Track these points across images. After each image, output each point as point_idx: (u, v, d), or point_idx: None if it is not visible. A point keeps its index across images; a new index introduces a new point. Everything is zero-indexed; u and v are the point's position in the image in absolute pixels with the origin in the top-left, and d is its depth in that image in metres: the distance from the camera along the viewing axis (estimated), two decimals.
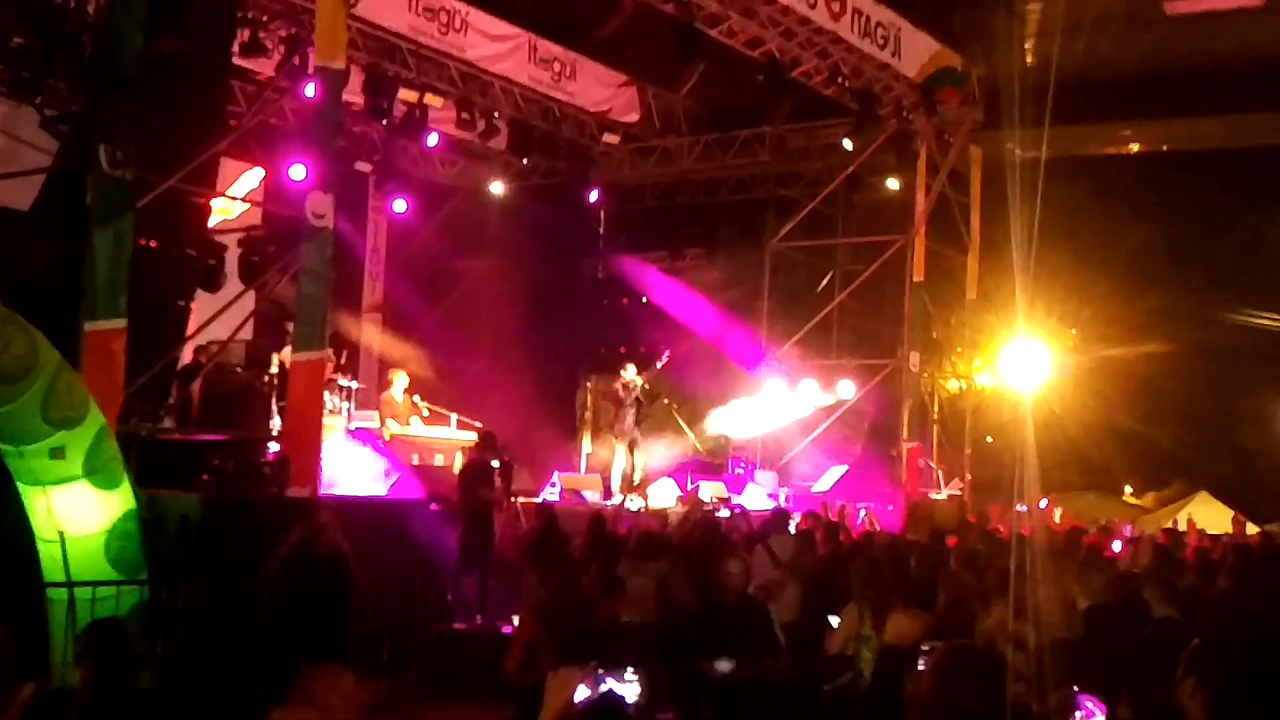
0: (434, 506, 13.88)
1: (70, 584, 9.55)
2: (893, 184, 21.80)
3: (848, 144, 20.93)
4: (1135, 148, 24.29)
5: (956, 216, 22.20)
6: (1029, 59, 20.82)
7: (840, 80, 19.41)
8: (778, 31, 18.26)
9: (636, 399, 18.60)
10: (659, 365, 19.37)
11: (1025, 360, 20.74)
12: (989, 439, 22.97)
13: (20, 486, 9.91)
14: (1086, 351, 22.59)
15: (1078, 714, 4.68)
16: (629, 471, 18.29)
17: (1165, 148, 24.23)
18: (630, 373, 18.72)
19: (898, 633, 5.54)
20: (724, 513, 15.40)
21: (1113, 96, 21.41)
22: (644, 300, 24.59)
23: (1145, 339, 22.45)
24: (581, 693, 3.55)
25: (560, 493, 16.96)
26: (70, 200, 11.94)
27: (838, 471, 20.10)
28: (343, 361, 17.49)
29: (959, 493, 21.77)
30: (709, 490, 18.65)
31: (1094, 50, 20.42)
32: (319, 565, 9.65)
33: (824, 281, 23.21)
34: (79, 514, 9.87)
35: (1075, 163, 21.57)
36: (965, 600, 7.16)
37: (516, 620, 9.26)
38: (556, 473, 18.03)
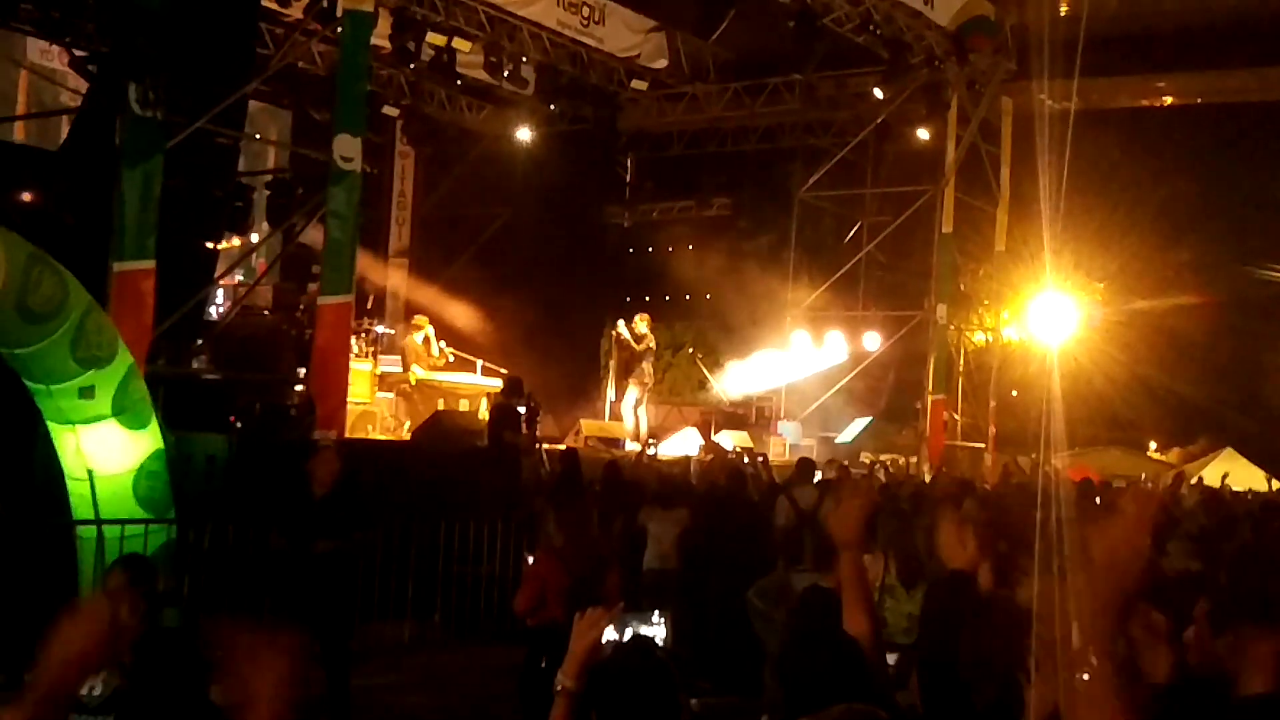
0: (457, 451, 13.95)
1: (99, 521, 9.64)
2: (923, 134, 21.61)
3: (878, 93, 20.78)
4: (1168, 100, 24.02)
5: (986, 168, 22.03)
6: (1062, 9, 20.54)
7: (871, 28, 19.22)
8: None
9: (648, 349, 18.69)
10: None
11: (1052, 314, 20.62)
12: (1014, 393, 22.90)
13: (50, 425, 9.99)
14: (1114, 305, 22.47)
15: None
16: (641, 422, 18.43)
17: (1199, 100, 23.95)
18: (644, 325, 18.75)
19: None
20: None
21: (1146, 48, 21.16)
22: (669, 249, 24.56)
23: (1174, 293, 22.33)
24: (608, 635, 3.56)
25: (584, 439, 17.02)
26: (99, 141, 11.96)
27: (862, 423, 20.08)
28: (369, 306, 17.55)
29: (980, 446, 21.78)
30: (732, 439, 18.69)
31: (1128, 1, 20.17)
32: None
33: (851, 232, 23.10)
34: (107, 453, 9.94)
35: (1107, 115, 21.38)
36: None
37: (531, 561, 9.34)
38: (580, 420, 18.09)
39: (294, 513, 8.54)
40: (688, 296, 24.54)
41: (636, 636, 3.57)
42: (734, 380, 21.48)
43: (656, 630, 3.62)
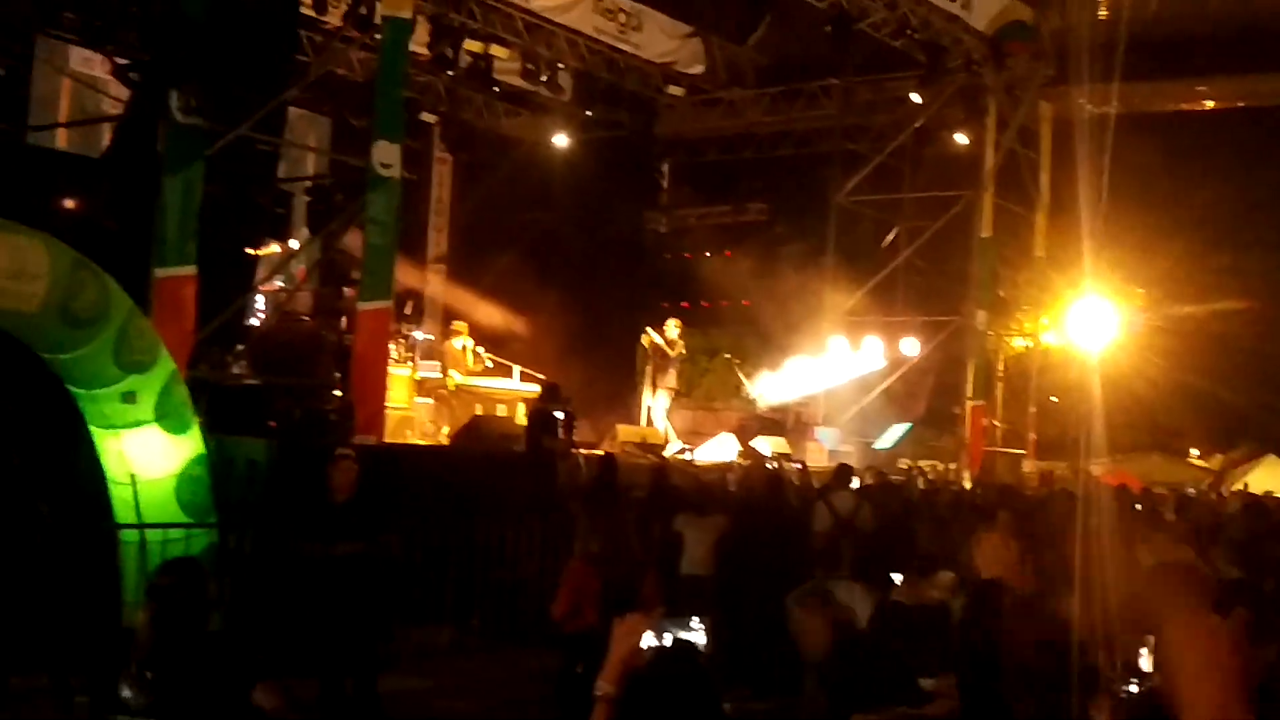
0: (495, 456, 13.99)
1: (141, 526, 9.71)
2: (961, 139, 21.51)
3: (915, 97, 20.71)
4: (1209, 104, 23.82)
5: (1025, 172, 21.93)
6: (1102, 13, 20.42)
7: (908, 32, 19.18)
8: None
9: (680, 354, 18.77)
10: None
11: (1092, 319, 20.49)
12: (1054, 399, 22.76)
13: (93, 430, 10.08)
14: (1155, 310, 22.28)
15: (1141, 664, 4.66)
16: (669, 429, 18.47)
17: (1240, 104, 23.74)
18: (674, 330, 18.80)
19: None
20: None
21: (1186, 52, 21.00)
22: (706, 254, 24.54)
23: (1216, 298, 22.11)
24: (648, 640, 3.57)
25: (620, 444, 17.03)
26: (141, 148, 12.07)
27: (901, 429, 20.00)
28: (408, 312, 17.62)
29: (1021, 452, 21.67)
30: (769, 445, 18.65)
31: (1168, 4, 20.04)
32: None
33: (889, 237, 23.01)
34: (150, 457, 10.02)
35: (1147, 119, 21.23)
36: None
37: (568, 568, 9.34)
38: (616, 425, 18.09)
39: (314, 519, 8.52)
40: (724, 302, 24.51)
41: (677, 642, 3.57)
42: (771, 386, 21.42)
43: (696, 636, 3.61)
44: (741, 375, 22.03)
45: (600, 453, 15.73)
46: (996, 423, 21.90)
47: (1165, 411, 22.21)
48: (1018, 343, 23.18)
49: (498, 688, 10.69)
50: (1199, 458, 24.80)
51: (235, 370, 13.30)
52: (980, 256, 20.95)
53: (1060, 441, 20.82)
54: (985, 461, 20.29)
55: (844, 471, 12.75)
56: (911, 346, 21.57)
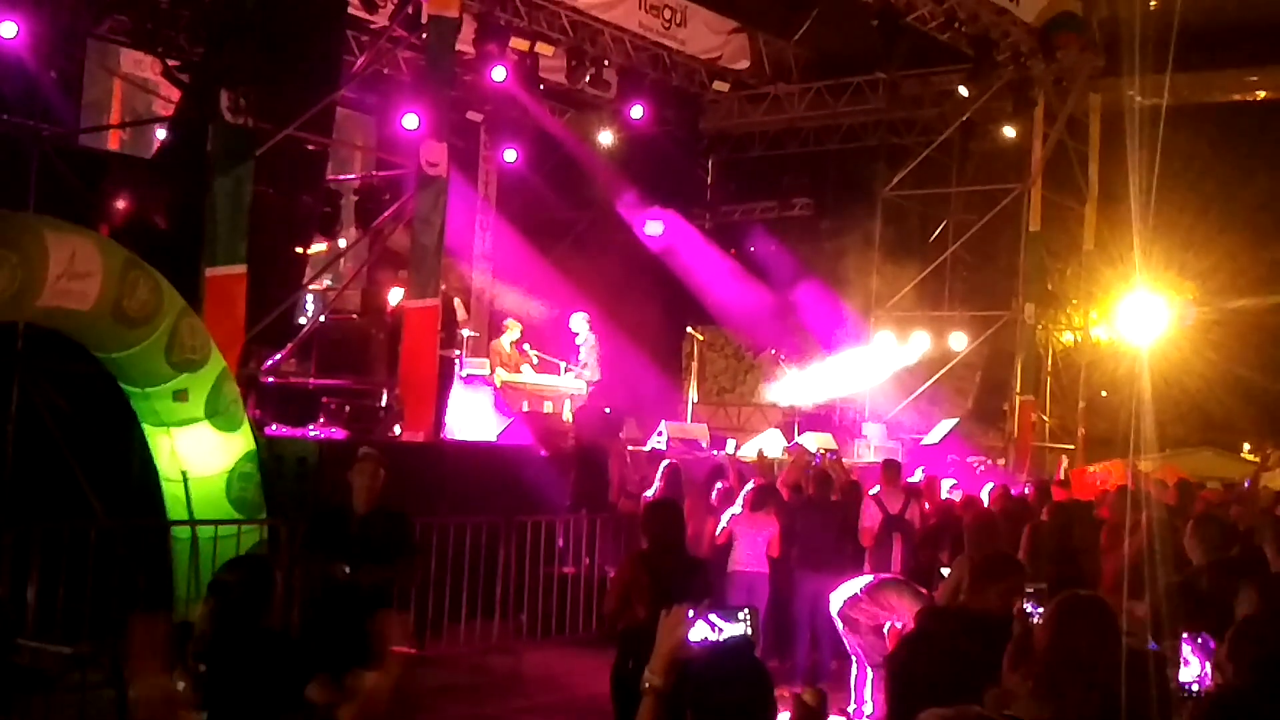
0: (543, 452, 14.03)
1: (193, 522, 9.82)
2: (1009, 132, 21.34)
3: (963, 91, 20.57)
4: (1261, 94, 23.52)
5: (1074, 165, 21.72)
6: (1152, 3, 20.21)
7: (956, 25, 19.05)
8: None
9: None
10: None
11: (1142, 313, 20.29)
12: (1104, 393, 22.56)
13: (145, 428, 10.20)
14: (1207, 304, 22.03)
15: (1184, 660, 4.63)
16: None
17: None
18: None
19: None
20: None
21: (1239, 41, 20.72)
22: (751, 249, 24.48)
23: (1268, 291, 21.82)
24: (697, 632, 3.57)
25: (668, 441, 17.03)
26: (191, 148, 12.19)
27: (948, 424, 19.89)
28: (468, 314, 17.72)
29: (1070, 448, 21.50)
30: (815, 441, 18.59)
31: None
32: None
33: (936, 231, 22.86)
34: (201, 455, 10.14)
35: (1198, 110, 20.97)
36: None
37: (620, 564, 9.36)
38: (663, 421, 18.09)
39: (331, 533, 7.84)
40: (770, 298, 24.45)
41: (733, 637, 3.57)
42: (817, 382, 21.34)
43: (741, 628, 3.62)
44: (787, 369, 21.94)
45: (646, 449, 15.76)
46: (1045, 418, 21.73)
47: (1217, 406, 21.93)
48: (1067, 337, 22.99)
49: (546, 683, 10.74)
50: (1250, 452, 24.51)
51: (285, 368, 13.41)
52: (1029, 250, 20.79)
53: (1110, 437, 20.63)
54: (1035, 457, 20.18)
55: (893, 467, 12.69)
56: (959, 341, 21.44)
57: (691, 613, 3.59)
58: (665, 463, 12.72)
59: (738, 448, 17.85)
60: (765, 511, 11.34)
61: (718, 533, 11.37)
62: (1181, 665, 4.60)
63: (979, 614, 5.11)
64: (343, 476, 8.07)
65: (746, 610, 3.68)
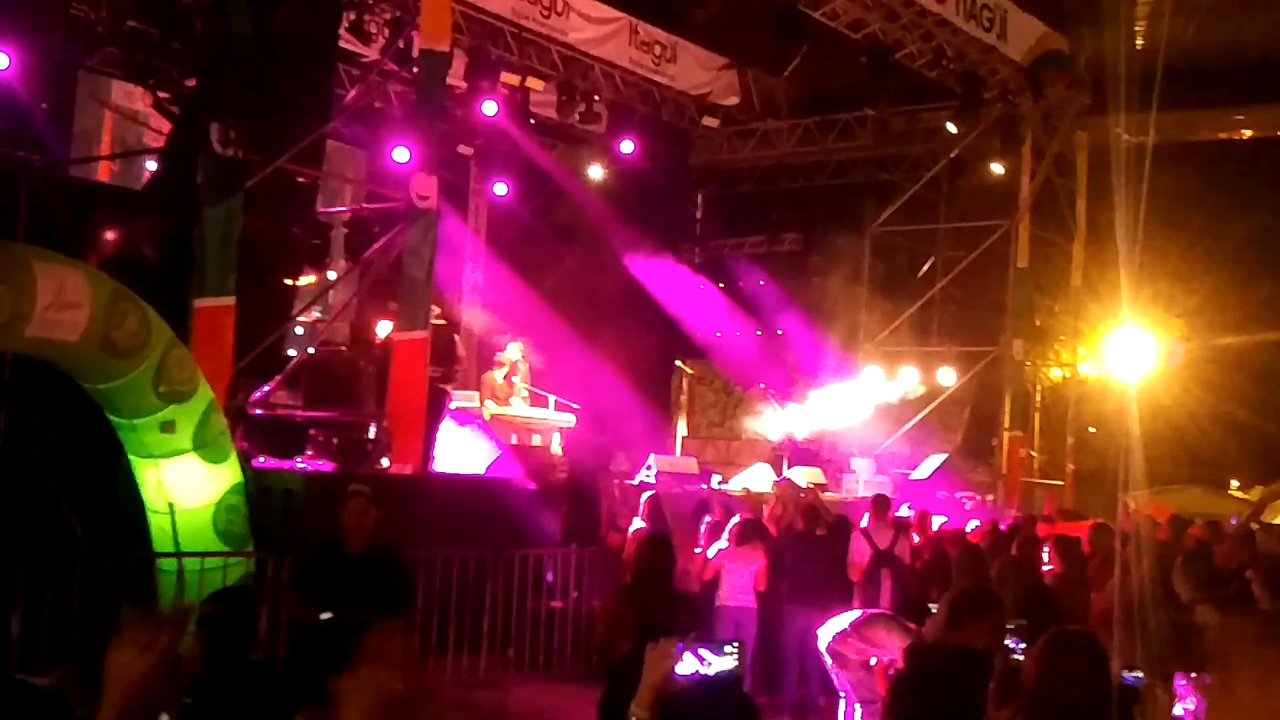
0: (532, 485, 13.99)
1: (179, 554, 9.77)
2: (997, 169, 21.46)
3: (951, 128, 20.67)
4: (1248, 133, 23.69)
5: (1062, 202, 21.84)
6: (1138, 42, 20.37)
7: (944, 63, 19.18)
8: (881, 14, 18.09)
9: None
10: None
11: (1131, 349, 20.34)
12: (1092, 429, 22.59)
13: (132, 459, 10.16)
14: (1195, 341, 22.12)
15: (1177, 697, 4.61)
16: None
17: (1279, 132, 23.60)
18: None
19: None
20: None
21: (1225, 80, 20.91)
22: (740, 285, 24.53)
23: (1255, 328, 21.92)
24: (684, 665, 3.55)
25: (656, 475, 17.01)
26: (181, 179, 12.20)
27: (937, 459, 19.89)
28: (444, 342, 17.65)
29: (1059, 483, 21.50)
30: (804, 476, 18.56)
31: (1206, 33, 19.95)
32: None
33: (925, 267, 22.96)
34: (188, 486, 10.10)
35: (1184, 148, 21.12)
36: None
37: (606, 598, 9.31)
38: (652, 454, 18.06)
39: (322, 572, 7.50)
40: (758, 332, 24.48)
41: (721, 671, 3.56)
42: (806, 416, 21.34)
43: (729, 662, 3.61)
44: (776, 404, 21.95)
45: (634, 483, 15.72)
46: (1034, 454, 21.75)
47: (1205, 443, 22.01)
48: (1055, 373, 23.05)
49: (534, 719, 10.67)
50: (1239, 490, 24.54)
51: (273, 400, 13.37)
52: (1017, 286, 20.87)
53: (1099, 473, 20.64)
54: (1023, 492, 20.17)
55: (882, 502, 12.67)
56: (948, 376, 21.48)
57: (679, 646, 3.57)
58: (646, 494, 12.70)
59: (724, 481, 17.82)
60: (752, 546, 11.31)
61: (705, 568, 11.33)
62: (1176, 701, 4.58)
63: (963, 650, 5.09)
64: (329, 509, 7.92)
65: (736, 645, 3.66)
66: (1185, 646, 5.48)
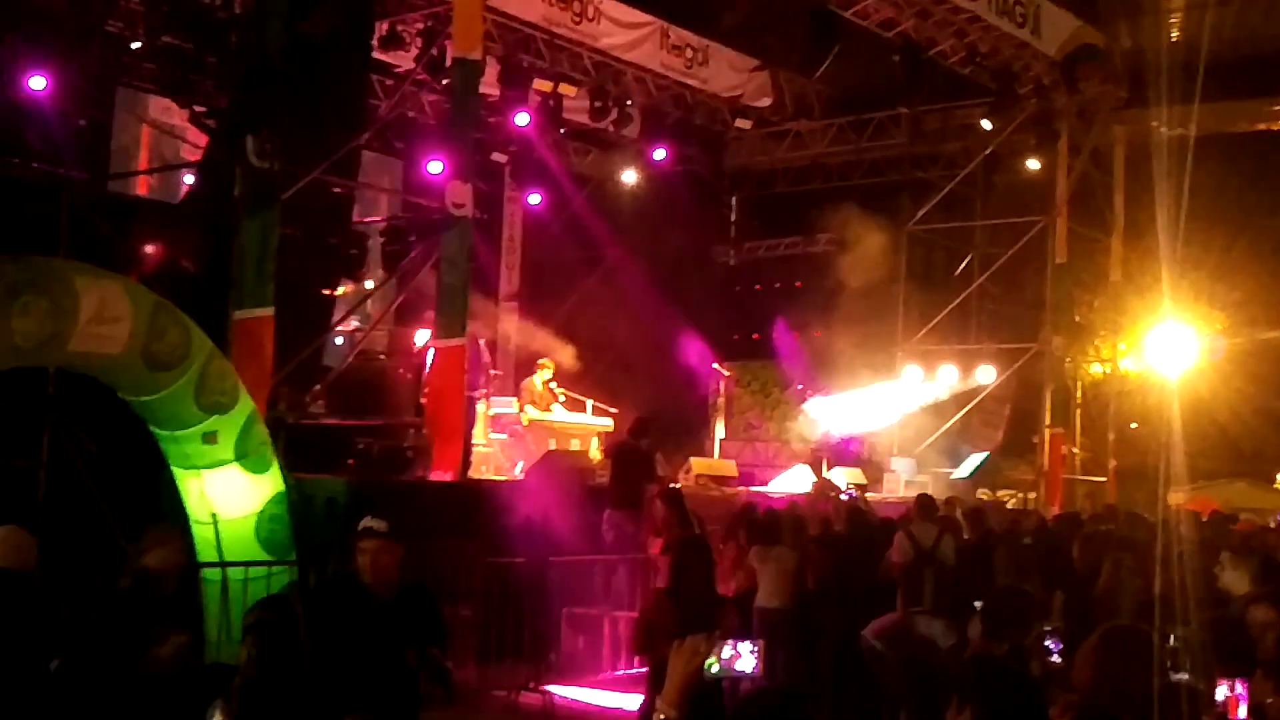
0: (571, 491, 13.99)
1: (223, 564, 9.83)
2: (1033, 164, 21.33)
3: (986, 124, 20.59)
4: None
5: (1099, 197, 21.69)
6: (1175, 34, 20.20)
7: (977, 59, 19.11)
8: (913, 12, 18.06)
9: None
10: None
11: (1171, 344, 20.19)
12: (1134, 425, 22.40)
13: (175, 470, 10.23)
14: (1235, 335, 21.89)
15: (1220, 693, 4.57)
16: None
17: None
18: None
19: None
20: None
21: (1264, 70, 20.69)
22: (776, 286, 24.51)
23: None
24: (713, 664, 3.56)
25: (694, 477, 17.00)
26: (219, 192, 12.30)
27: (978, 458, 19.78)
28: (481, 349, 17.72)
29: (1101, 480, 21.35)
30: (845, 477, 18.51)
31: (1242, 24, 19.77)
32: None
33: (962, 265, 22.84)
34: (230, 497, 10.16)
35: (1223, 140, 20.91)
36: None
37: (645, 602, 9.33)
38: (691, 457, 18.06)
39: (349, 626, 6.37)
40: (796, 334, 24.44)
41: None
42: (845, 417, 21.27)
43: (748, 660, 3.61)
44: (810, 408, 21.88)
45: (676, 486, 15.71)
46: (1076, 450, 21.60)
47: (1249, 437, 21.75)
48: (1095, 369, 22.88)
49: None
50: None
51: (313, 409, 13.45)
52: (1055, 282, 20.74)
53: (1141, 469, 20.47)
54: (1066, 490, 20.04)
55: (925, 502, 12.59)
56: (987, 374, 21.36)
57: (705, 644, 3.58)
58: (671, 487, 12.66)
59: (765, 483, 17.81)
60: (789, 547, 11.26)
61: (741, 570, 11.28)
62: (1218, 698, 4.55)
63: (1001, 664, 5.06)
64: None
65: (758, 645, 3.65)
66: (1230, 646, 5.40)
